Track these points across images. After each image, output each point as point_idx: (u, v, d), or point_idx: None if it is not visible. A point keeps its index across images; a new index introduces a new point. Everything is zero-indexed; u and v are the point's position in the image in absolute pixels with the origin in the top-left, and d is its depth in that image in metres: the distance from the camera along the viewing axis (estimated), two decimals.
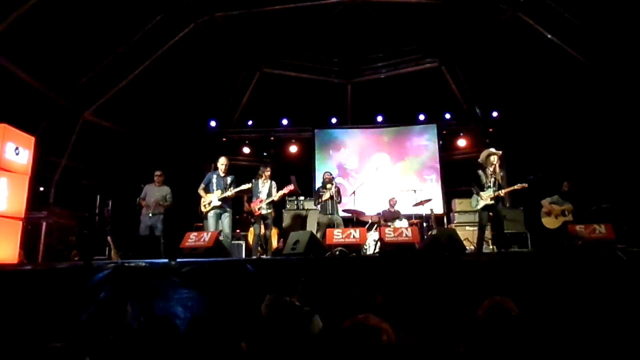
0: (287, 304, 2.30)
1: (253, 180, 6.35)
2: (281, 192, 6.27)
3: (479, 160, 5.80)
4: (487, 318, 1.79)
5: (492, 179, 5.57)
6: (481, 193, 5.59)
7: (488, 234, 6.07)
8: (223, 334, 2.07)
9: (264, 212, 6.19)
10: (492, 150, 5.77)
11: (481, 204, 5.57)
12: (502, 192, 5.51)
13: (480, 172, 5.70)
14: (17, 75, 6.72)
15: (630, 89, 7.56)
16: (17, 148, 4.82)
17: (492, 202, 5.50)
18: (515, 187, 5.58)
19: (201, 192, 6.24)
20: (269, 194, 6.24)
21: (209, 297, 3.61)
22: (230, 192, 6.12)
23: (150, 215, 6.49)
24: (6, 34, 6.06)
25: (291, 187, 6.32)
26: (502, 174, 5.65)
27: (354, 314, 1.31)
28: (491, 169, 5.60)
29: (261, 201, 6.19)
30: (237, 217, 8.16)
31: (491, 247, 6.55)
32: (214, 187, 6.16)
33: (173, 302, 3.55)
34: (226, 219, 6.13)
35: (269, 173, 6.37)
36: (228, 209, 6.19)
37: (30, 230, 6.22)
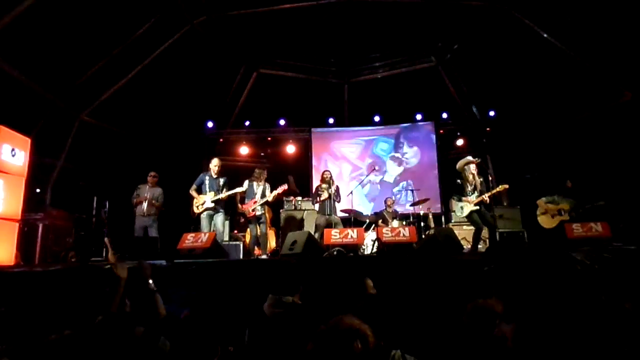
0: (289, 303, 2.31)
1: (247, 182, 6.35)
2: (275, 193, 6.26)
3: (457, 168, 5.88)
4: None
5: (472, 187, 5.68)
6: (463, 199, 5.68)
7: (485, 232, 6.08)
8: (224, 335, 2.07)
9: (258, 213, 6.21)
10: (469, 158, 5.87)
11: (466, 211, 5.67)
12: (485, 197, 5.55)
13: (459, 181, 5.81)
14: (12, 76, 6.68)
15: (626, 86, 7.60)
16: (13, 149, 4.81)
17: (477, 207, 5.58)
18: (498, 189, 5.68)
19: (193, 193, 6.23)
20: (263, 195, 6.27)
21: (208, 298, 3.60)
22: (223, 195, 6.12)
23: (144, 215, 6.50)
24: (2, 34, 6.03)
25: (285, 186, 6.32)
26: (481, 180, 5.74)
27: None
28: (470, 177, 5.71)
29: (255, 202, 6.19)
30: (236, 218, 8.16)
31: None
32: (207, 189, 6.16)
33: (172, 302, 3.53)
34: (219, 219, 6.14)
35: (265, 176, 6.40)
36: (221, 210, 6.20)
37: (26, 232, 6.18)
